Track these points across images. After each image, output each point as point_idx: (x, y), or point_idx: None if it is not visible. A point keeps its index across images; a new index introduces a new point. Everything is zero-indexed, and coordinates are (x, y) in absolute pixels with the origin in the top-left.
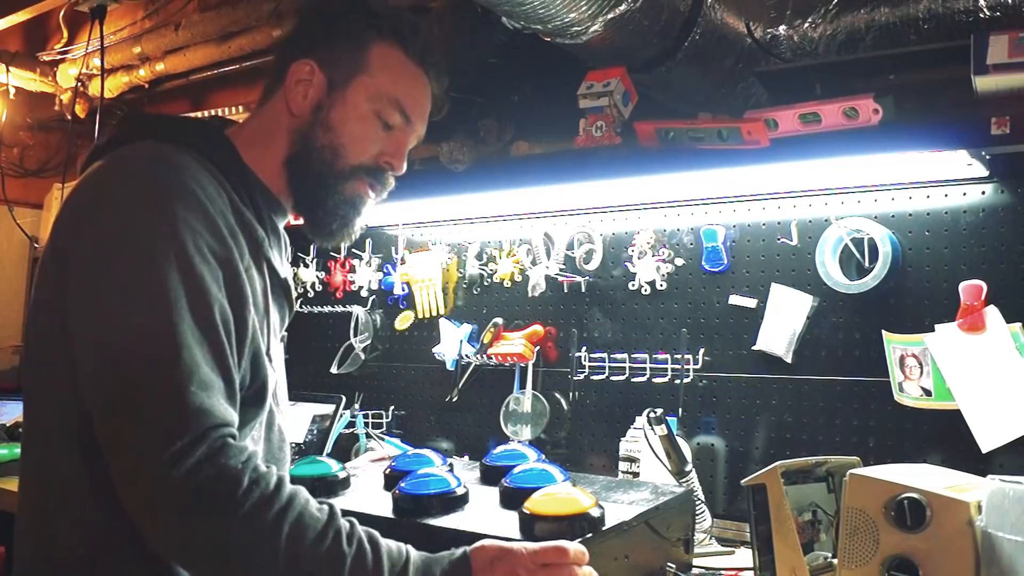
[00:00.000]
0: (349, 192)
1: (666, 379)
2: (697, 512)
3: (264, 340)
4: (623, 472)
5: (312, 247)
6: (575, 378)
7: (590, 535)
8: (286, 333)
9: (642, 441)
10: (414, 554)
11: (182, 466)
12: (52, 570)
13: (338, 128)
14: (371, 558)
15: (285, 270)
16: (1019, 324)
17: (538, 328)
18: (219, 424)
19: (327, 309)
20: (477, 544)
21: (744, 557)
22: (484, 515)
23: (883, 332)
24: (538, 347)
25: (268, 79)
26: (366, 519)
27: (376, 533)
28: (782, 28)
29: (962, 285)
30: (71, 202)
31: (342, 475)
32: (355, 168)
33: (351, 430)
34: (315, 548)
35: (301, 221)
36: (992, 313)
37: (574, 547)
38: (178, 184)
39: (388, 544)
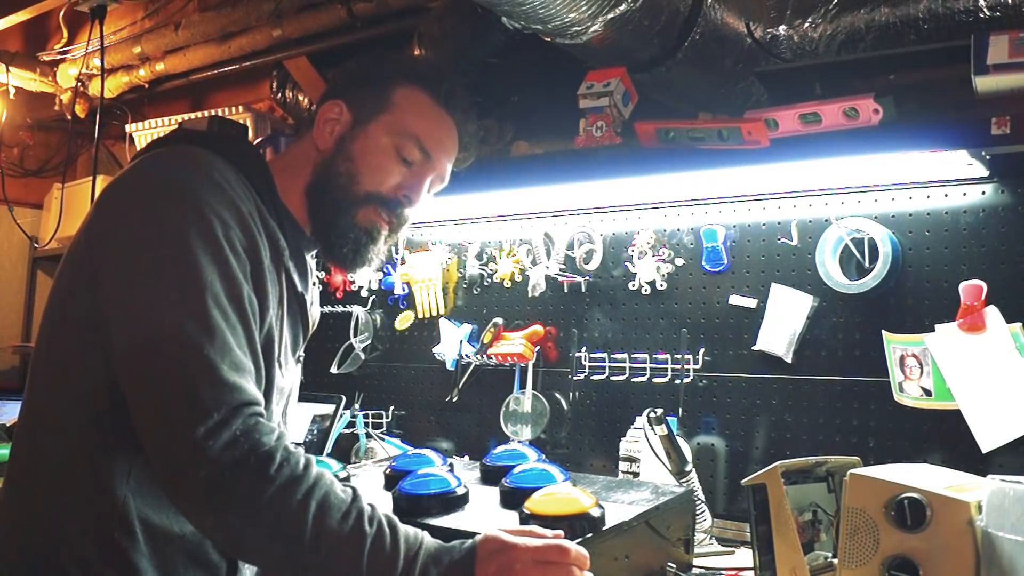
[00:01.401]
0: (362, 218)
1: (666, 379)
2: (697, 512)
3: (276, 346)
4: (623, 472)
5: None
6: (575, 378)
7: (590, 535)
8: (302, 354)
9: (642, 441)
10: (428, 540)
11: (219, 439)
12: (52, 556)
13: (357, 158)
14: (389, 540)
15: (305, 290)
16: (1019, 324)
17: (538, 328)
18: (251, 401)
19: (327, 309)
20: (484, 536)
21: (744, 557)
22: (484, 515)
23: (883, 332)
24: (538, 347)
25: (302, 127)
26: None
27: (395, 517)
28: (782, 28)
29: (962, 285)
30: (109, 191)
31: (342, 475)
32: (369, 195)
33: (351, 430)
34: (339, 527)
35: (319, 250)
36: (992, 313)
37: (576, 549)
38: (210, 180)
39: (406, 528)
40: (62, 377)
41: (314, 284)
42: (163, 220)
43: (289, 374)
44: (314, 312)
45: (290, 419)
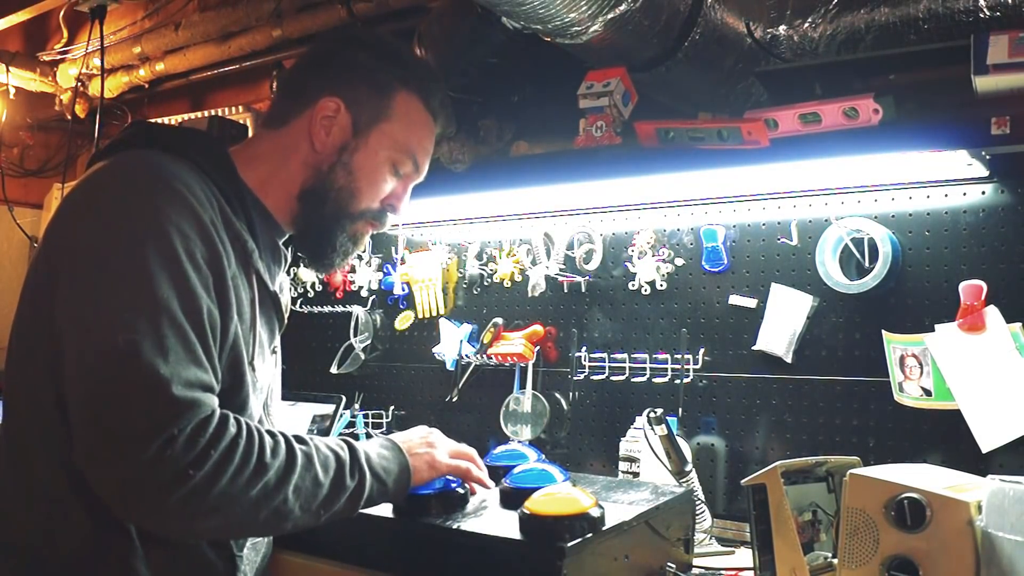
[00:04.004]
0: (353, 231)
1: (666, 379)
2: (697, 512)
3: (248, 350)
4: (623, 472)
5: None
6: (575, 378)
7: (590, 535)
8: (279, 344)
9: (642, 441)
10: (374, 457)
11: (170, 454)
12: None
13: (357, 172)
14: (350, 474)
15: (279, 283)
16: (1019, 324)
17: (538, 328)
18: (207, 417)
19: (327, 309)
20: (403, 437)
21: (744, 557)
22: (484, 515)
23: (883, 332)
24: (538, 347)
25: (285, 102)
26: (366, 519)
27: (334, 446)
28: (782, 28)
29: (962, 285)
30: (66, 204)
31: None
32: (364, 212)
33: (351, 430)
34: (298, 494)
35: (301, 250)
36: (992, 313)
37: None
38: (169, 189)
39: (346, 457)
40: (38, 388)
41: (286, 272)
42: (120, 235)
43: (265, 369)
44: (285, 298)
45: (275, 412)
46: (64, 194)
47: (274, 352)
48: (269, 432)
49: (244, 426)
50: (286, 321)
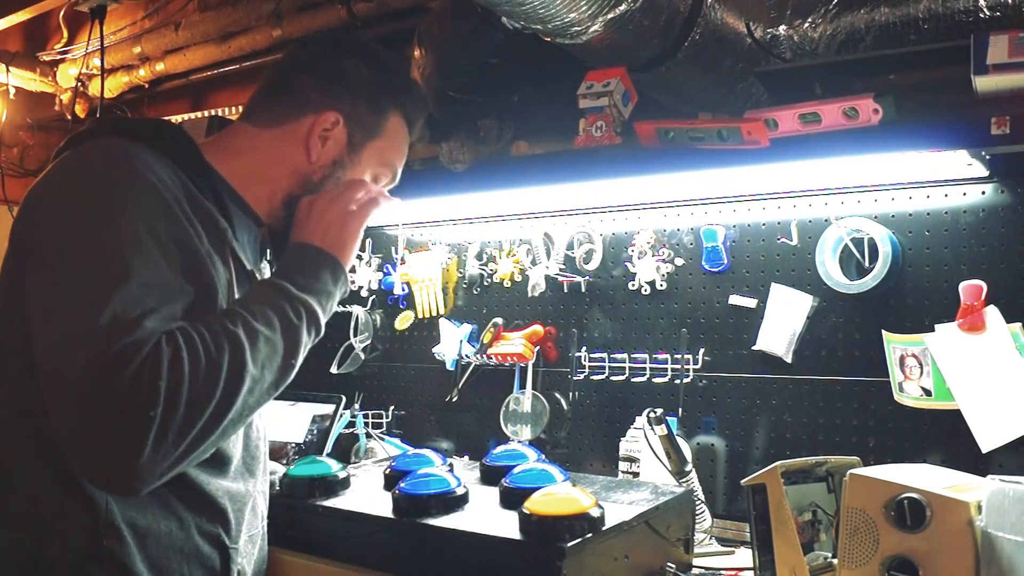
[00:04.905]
0: None
1: (666, 379)
2: (697, 512)
3: None
4: (623, 472)
5: None
6: (575, 378)
7: (590, 535)
8: None
9: (642, 441)
10: (291, 288)
11: (124, 411)
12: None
13: None
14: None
15: (256, 267)
16: (1019, 324)
17: (538, 328)
18: (140, 360)
19: None
20: (296, 228)
21: (744, 557)
22: (484, 515)
23: (883, 332)
24: (538, 347)
25: (275, 101)
26: (366, 519)
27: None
28: (782, 28)
29: (962, 285)
30: (31, 194)
31: (342, 475)
32: None
33: (351, 430)
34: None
35: (276, 251)
36: (992, 313)
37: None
38: (130, 171)
39: (269, 296)
40: (17, 393)
41: (267, 260)
42: (81, 218)
43: None
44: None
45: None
46: None
47: None
48: (201, 327)
49: (177, 338)
50: None
